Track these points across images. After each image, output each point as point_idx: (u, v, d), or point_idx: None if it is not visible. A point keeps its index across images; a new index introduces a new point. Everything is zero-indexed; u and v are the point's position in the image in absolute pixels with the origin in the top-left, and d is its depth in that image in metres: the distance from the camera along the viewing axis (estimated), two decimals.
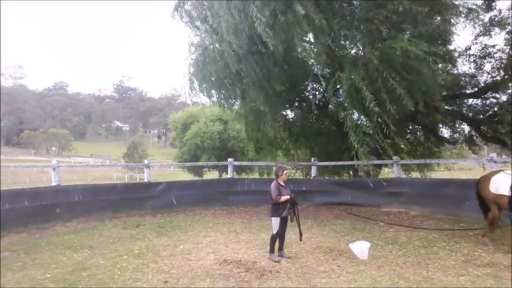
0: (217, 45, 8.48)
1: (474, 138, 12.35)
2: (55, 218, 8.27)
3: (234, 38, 7.32)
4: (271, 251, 5.67)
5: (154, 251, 6.22)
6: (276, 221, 5.61)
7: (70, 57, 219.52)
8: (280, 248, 5.73)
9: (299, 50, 7.24)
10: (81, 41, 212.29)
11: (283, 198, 5.55)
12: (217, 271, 5.14)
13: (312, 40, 8.70)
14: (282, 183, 5.74)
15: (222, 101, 10.56)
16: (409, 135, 13.54)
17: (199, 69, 9.27)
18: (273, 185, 5.67)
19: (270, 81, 8.87)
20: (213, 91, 10.02)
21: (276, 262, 5.44)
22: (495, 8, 9.84)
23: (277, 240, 5.67)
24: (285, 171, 5.86)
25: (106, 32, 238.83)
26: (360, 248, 5.67)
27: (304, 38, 7.84)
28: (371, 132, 7.88)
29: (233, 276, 4.93)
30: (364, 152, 7.54)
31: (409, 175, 13.25)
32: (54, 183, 8.76)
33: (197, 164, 27.48)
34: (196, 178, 29.41)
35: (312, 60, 7.36)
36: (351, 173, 13.30)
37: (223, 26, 7.30)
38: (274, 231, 5.63)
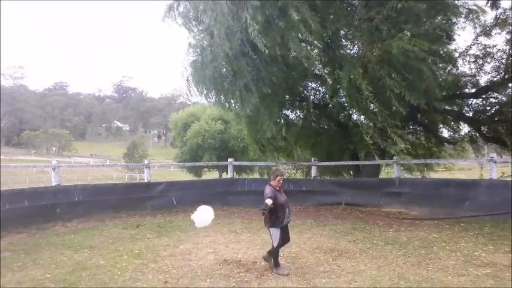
0: (213, 47, 8.52)
1: (474, 138, 12.34)
2: (55, 218, 8.26)
3: (226, 41, 7.39)
4: (276, 264, 5.06)
5: (154, 251, 6.22)
6: (275, 232, 4.98)
7: (70, 57, 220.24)
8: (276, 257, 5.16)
9: (294, 53, 7.22)
10: (81, 41, 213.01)
11: (269, 201, 4.74)
12: (217, 271, 5.14)
13: (309, 40, 8.71)
14: (277, 188, 5.12)
15: (223, 102, 10.56)
16: (409, 135, 13.53)
17: (197, 70, 9.30)
18: (269, 189, 5.04)
19: (264, 83, 8.88)
20: (211, 92, 10.04)
21: (285, 275, 4.90)
22: (500, 6, 9.82)
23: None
24: (277, 177, 5.08)
25: (106, 32, 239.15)
26: (201, 216, 5.09)
27: (302, 38, 7.86)
28: (370, 131, 7.88)
29: (233, 276, 4.93)
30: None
31: (409, 175, 13.27)
32: (54, 183, 8.76)
33: (197, 164, 27.49)
34: (196, 178, 29.44)
35: (305, 63, 7.36)
36: (351, 172, 13.31)
37: (217, 29, 7.35)
38: (276, 243, 4.98)
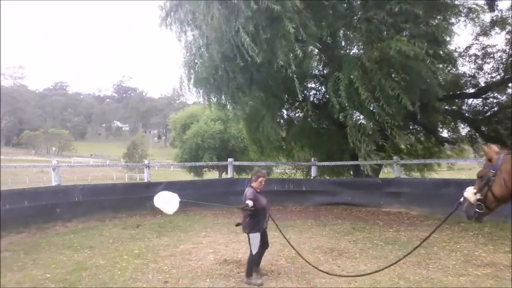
0: (206, 48, 8.58)
1: (474, 138, 12.34)
2: (55, 218, 8.26)
3: (216, 45, 7.53)
4: (249, 274, 4.66)
5: (154, 251, 6.22)
6: (256, 237, 4.60)
7: (70, 57, 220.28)
8: (258, 264, 4.87)
9: (280, 62, 7.30)
10: (81, 41, 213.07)
11: (250, 203, 4.49)
12: (217, 271, 5.14)
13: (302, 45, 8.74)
14: (258, 190, 4.82)
15: (217, 102, 10.56)
16: (409, 135, 13.52)
17: (191, 70, 9.34)
18: (250, 190, 4.73)
19: (258, 84, 8.89)
20: (207, 92, 10.06)
21: (258, 286, 4.56)
22: (497, 9, 9.88)
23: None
24: (259, 179, 4.79)
25: (106, 32, 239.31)
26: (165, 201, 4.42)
27: (300, 39, 7.87)
28: (370, 132, 7.89)
29: (233, 276, 4.93)
30: (366, 150, 7.56)
31: (410, 175, 13.25)
32: (54, 183, 8.75)
33: (197, 164, 27.49)
34: (196, 178, 29.44)
35: (293, 67, 7.45)
36: (352, 173, 13.31)
37: (208, 32, 7.47)
38: (254, 251, 4.58)
